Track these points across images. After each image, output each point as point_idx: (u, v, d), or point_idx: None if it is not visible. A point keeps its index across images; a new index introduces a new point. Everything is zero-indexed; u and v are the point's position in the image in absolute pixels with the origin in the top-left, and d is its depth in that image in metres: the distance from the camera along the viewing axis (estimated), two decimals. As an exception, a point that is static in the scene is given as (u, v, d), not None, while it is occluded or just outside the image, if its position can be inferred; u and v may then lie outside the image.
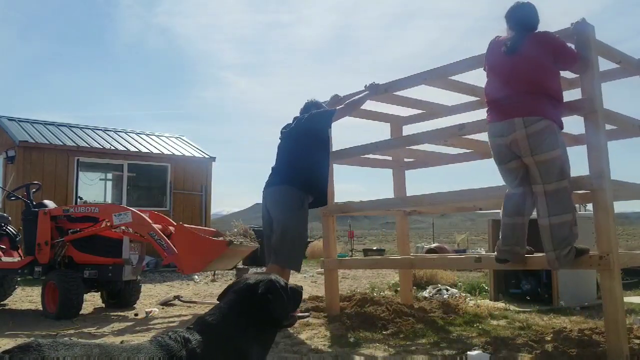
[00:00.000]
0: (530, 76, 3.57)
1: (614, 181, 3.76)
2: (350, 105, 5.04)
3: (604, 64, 4.23)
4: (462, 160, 5.94)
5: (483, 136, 5.51)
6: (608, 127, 4.05)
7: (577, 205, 5.65)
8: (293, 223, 4.65)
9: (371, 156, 5.84)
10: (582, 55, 3.62)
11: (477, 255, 4.90)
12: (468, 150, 5.70)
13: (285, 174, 4.78)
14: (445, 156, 6.04)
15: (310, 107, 5.07)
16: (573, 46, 3.76)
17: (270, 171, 4.97)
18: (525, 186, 3.65)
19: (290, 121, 5.13)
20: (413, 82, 4.88)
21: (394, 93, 5.22)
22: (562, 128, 3.60)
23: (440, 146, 5.53)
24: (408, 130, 6.12)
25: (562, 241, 3.50)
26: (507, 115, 3.56)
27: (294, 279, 10.46)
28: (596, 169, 3.64)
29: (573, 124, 5.84)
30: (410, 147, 5.54)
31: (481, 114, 5.47)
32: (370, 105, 5.81)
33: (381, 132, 6.39)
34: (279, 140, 5.05)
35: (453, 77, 4.85)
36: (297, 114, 5.14)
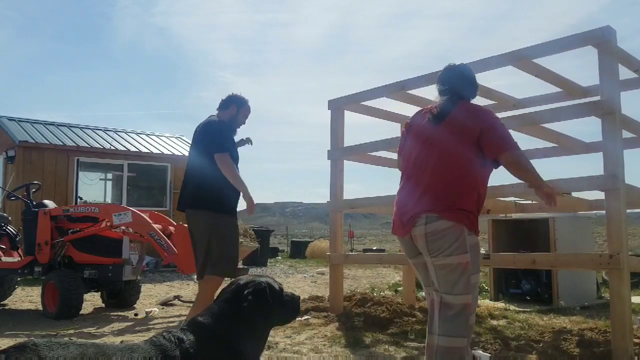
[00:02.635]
0: (445, 159, 2.83)
1: (627, 185, 3.77)
2: (233, 176, 4.20)
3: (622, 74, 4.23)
4: None
5: None
6: (625, 135, 4.07)
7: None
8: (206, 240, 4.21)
9: (381, 155, 5.86)
10: (518, 149, 2.85)
11: (485, 252, 4.91)
12: None
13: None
14: None
15: (229, 103, 4.45)
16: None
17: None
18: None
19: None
20: (429, 81, 4.86)
21: (408, 92, 5.21)
22: (473, 230, 2.83)
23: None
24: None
25: None
26: (411, 208, 2.88)
27: (294, 278, 10.46)
28: (610, 170, 3.65)
29: (582, 129, 5.86)
30: None
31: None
32: (382, 104, 5.82)
33: (389, 132, 6.40)
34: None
35: None
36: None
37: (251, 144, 4.84)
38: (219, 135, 4.25)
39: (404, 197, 2.98)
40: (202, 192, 4.23)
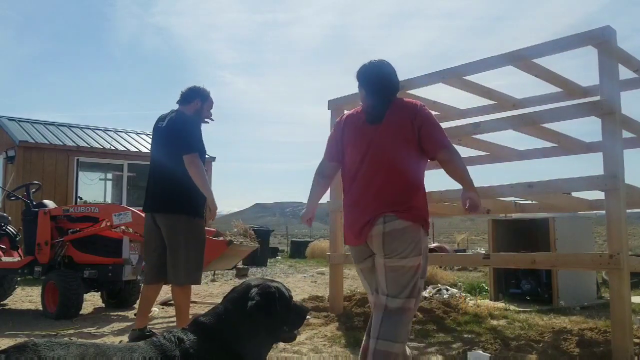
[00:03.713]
0: (394, 160, 2.76)
1: (627, 185, 3.77)
2: (201, 179, 4.07)
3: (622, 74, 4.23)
4: (475, 163, 5.91)
5: (498, 138, 5.50)
6: (625, 135, 4.07)
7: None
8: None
9: None
10: (453, 146, 2.81)
11: (485, 252, 4.91)
12: (482, 153, 5.65)
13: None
14: None
15: (189, 96, 4.31)
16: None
17: None
18: None
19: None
20: (429, 80, 4.86)
21: (407, 92, 5.21)
22: (426, 231, 2.84)
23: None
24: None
25: None
26: (365, 214, 2.77)
27: (294, 278, 10.46)
28: (610, 170, 3.66)
29: (582, 129, 5.86)
30: None
31: (496, 117, 5.46)
32: None
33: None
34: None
35: (467, 78, 4.81)
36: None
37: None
38: (188, 133, 4.10)
39: (355, 204, 2.86)
40: (176, 195, 4.08)
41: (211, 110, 4.44)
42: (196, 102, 4.31)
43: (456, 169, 2.77)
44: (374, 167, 2.79)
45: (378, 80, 2.91)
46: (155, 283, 4.28)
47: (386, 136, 2.78)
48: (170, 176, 4.10)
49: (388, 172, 2.76)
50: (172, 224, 4.12)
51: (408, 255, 2.68)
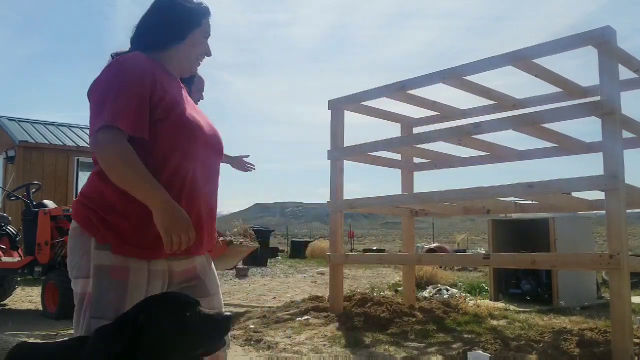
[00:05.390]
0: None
1: (627, 185, 3.78)
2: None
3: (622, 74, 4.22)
4: (475, 163, 5.91)
5: (498, 138, 5.50)
6: (625, 135, 4.07)
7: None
8: None
9: (381, 155, 5.85)
10: (99, 135, 1.61)
11: (485, 252, 4.91)
12: (482, 153, 5.65)
13: None
14: (457, 159, 6.02)
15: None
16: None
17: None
18: None
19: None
20: (429, 80, 4.86)
21: (408, 92, 5.21)
22: (109, 242, 1.66)
23: (451, 149, 5.51)
24: (418, 132, 6.11)
25: None
26: None
27: (294, 278, 10.46)
28: (610, 170, 3.66)
29: (582, 129, 5.85)
30: (421, 147, 5.55)
31: (496, 117, 5.46)
32: (382, 104, 5.82)
33: (388, 132, 6.39)
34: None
35: (467, 78, 4.81)
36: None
37: None
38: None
39: None
40: None
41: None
42: None
43: (104, 168, 1.65)
44: None
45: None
46: None
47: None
48: None
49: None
50: None
51: (73, 274, 1.74)
